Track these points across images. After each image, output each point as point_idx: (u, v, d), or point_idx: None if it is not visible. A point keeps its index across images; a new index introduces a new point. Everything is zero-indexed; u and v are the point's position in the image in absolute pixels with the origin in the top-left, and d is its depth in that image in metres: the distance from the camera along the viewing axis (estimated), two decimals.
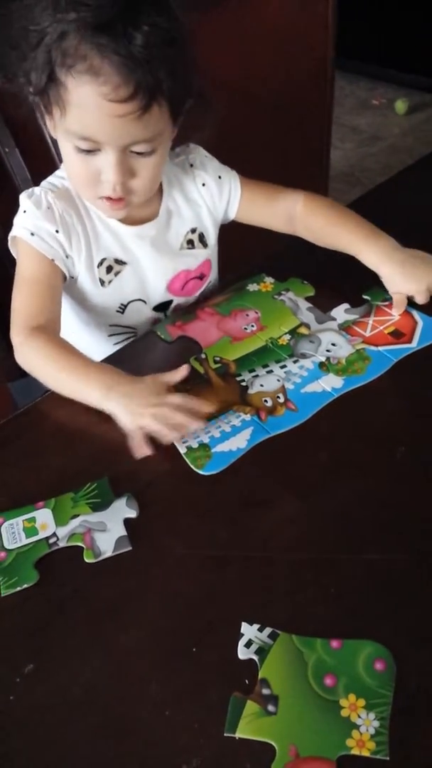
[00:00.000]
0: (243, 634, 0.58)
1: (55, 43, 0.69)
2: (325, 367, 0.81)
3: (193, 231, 0.93)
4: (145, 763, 0.52)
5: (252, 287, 0.94)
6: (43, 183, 0.87)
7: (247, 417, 0.76)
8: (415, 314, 0.87)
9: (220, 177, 0.93)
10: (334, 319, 0.88)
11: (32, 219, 0.82)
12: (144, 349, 0.88)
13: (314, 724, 0.54)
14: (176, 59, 0.71)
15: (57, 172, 0.88)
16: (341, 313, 0.89)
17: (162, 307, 0.94)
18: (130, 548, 0.65)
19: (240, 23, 1.53)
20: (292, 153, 1.86)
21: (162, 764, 0.52)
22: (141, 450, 0.72)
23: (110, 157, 0.75)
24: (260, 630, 0.58)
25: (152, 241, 0.89)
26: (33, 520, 0.68)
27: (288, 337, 0.86)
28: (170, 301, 0.95)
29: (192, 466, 0.72)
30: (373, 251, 0.88)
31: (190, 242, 0.93)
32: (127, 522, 0.67)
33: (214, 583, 0.62)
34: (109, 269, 0.88)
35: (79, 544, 0.66)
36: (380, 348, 0.83)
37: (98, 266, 0.87)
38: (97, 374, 0.76)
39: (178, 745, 0.53)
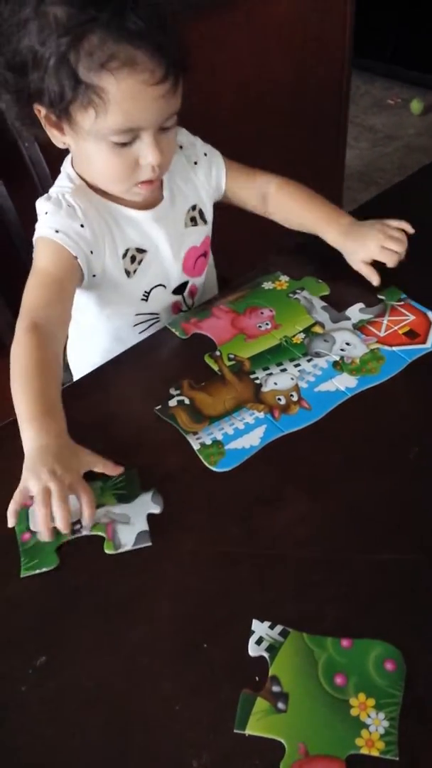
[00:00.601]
0: (254, 631, 0.58)
1: (71, 50, 0.68)
2: (339, 366, 0.81)
3: (194, 208, 0.95)
4: (155, 757, 0.52)
5: (267, 285, 0.94)
6: (54, 188, 0.87)
7: (261, 415, 0.76)
8: (431, 315, 0.87)
9: (206, 154, 0.96)
10: (348, 318, 0.88)
11: (55, 217, 0.82)
12: (158, 345, 0.88)
13: (324, 723, 0.54)
14: (177, 29, 0.73)
15: (61, 178, 0.87)
16: (356, 312, 0.88)
17: (179, 289, 0.95)
18: (150, 544, 0.65)
19: (257, 23, 1.53)
20: (308, 151, 1.86)
21: (171, 759, 0.52)
22: (10, 518, 0.66)
23: (148, 139, 0.76)
24: (271, 627, 0.59)
25: (166, 222, 0.91)
26: None
27: (302, 335, 0.86)
28: (186, 283, 0.96)
29: (205, 463, 0.72)
30: (335, 229, 0.94)
31: (193, 219, 0.95)
32: (150, 517, 0.68)
33: (225, 580, 0.63)
34: (133, 259, 0.89)
35: (101, 533, 0.66)
36: (394, 348, 0.83)
37: (123, 257, 0.88)
38: (28, 424, 0.69)
39: (187, 741, 0.53)
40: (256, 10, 1.52)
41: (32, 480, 0.65)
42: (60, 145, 0.81)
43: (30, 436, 0.68)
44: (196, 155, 0.94)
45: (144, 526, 0.67)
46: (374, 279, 0.91)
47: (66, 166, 0.88)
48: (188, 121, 0.85)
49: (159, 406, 0.78)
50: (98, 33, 0.68)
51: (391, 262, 0.90)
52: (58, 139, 0.80)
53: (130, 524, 0.67)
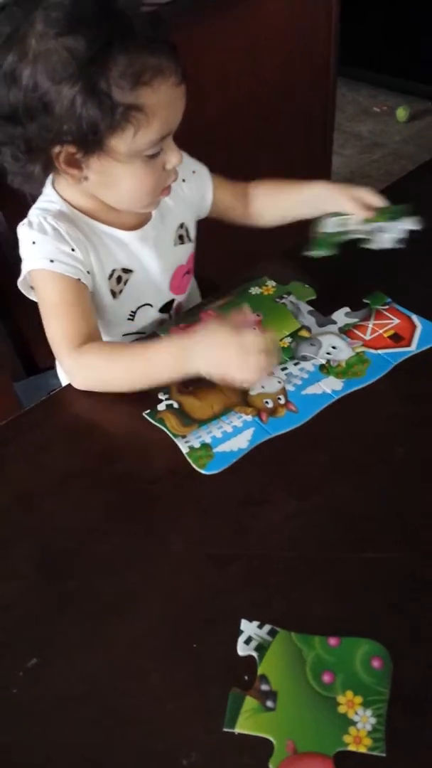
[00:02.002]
0: (243, 631, 0.59)
1: (100, 79, 0.67)
2: (325, 369, 0.82)
3: (181, 226, 0.95)
4: (145, 756, 0.53)
5: (254, 290, 0.95)
6: (33, 211, 0.84)
7: (249, 418, 0.77)
8: (415, 318, 0.88)
9: (194, 171, 0.96)
10: (334, 322, 0.89)
11: (46, 246, 0.80)
12: None
13: (312, 720, 0.54)
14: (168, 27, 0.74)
15: (40, 201, 0.85)
16: (342, 316, 0.90)
17: (166, 307, 0.96)
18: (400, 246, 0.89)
19: (243, 29, 1.55)
20: (294, 159, 1.87)
21: (161, 758, 0.53)
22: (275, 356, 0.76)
23: (170, 142, 0.78)
24: (260, 627, 0.59)
25: (154, 241, 0.91)
26: (348, 220, 0.92)
27: (289, 339, 0.87)
28: (172, 300, 0.96)
29: (194, 466, 0.73)
30: (318, 182, 0.97)
31: (181, 237, 0.95)
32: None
33: (214, 580, 0.63)
34: (119, 279, 0.88)
35: (368, 237, 0.90)
36: (380, 351, 0.84)
37: (109, 278, 0.88)
38: (168, 347, 0.79)
39: (177, 739, 0.53)
40: (244, 15, 1.53)
41: (244, 366, 0.74)
42: (76, 183, 0.78)
43: (177, 364, 0.76)
44: (183, 173, 0.93)
45: (401, 234, 0.89)
46: (368, 212, 0.92)
47: (47, 189, 0.85)
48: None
49: (148, 411, 0.79)
50: (121, 53, 0.67)
51: (379, 201, 0.93)
52: (75, 176, 0.77)
53: (391, 233, 0.90)
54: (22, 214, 0.85)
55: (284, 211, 1.00)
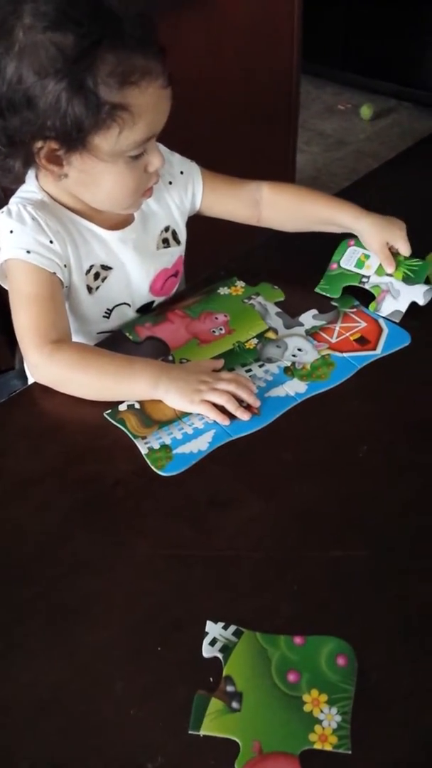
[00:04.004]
0: (207, 633, 0.59)
1: (87, 76, 0.67)
2: (289, 371, 0.83)
3: (167, 229, 0.93)
4: (110, 761, 0.53)
5: (223, 291, 0.95)
6: (14, 199, 0.83)
7: (210, 420, 0.77)
8: (381, 322, 0.89)
9: (182, 172, 0.94)
10: (301, 324, 0.89)
11: (23, 236, 0.79)
12: (111, 349, 0.87)
13: (277, 720, 0.55)
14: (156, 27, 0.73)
15: (22, 190, 0.84)
16: (309, 318, 0.90)
17: (145, 308, 0.94)
18: (396, 322, 0.86)
19: (206, 27, 1.54)
20: (259, 156, 1.87)
21: (127, 762, 0.53)
22: (223, 420, 0.76)
23: (154, 145, 0.77)
24: (225, 628, 0.60)
25: (134, 243, 0.89)
26: (367, 257, 0.92)
27: (255, 341, 0.87)
28: (152, 302, 0.95)
29: (152, 467, 0.72)
30: (348, 212, 0.94)
31: (165, 241, 0.94)
32: (412, 306, 0.86)
33: (179, 582, 0.63)
34: (97, 276, 0.87)
35: (376, 294, 0.89)
36: (345, 354, 0.85)
37: (86, 273, 0.86)
38: (143, 367, 0.79)
39: (142, 744, 0.53)
40: (207, 16, 1.52)
41: (194, 396, 0.76)
42: (55, 179, 0.78)
43: (147, 386, 0.77)
44: (171, 175, 0.92)
45: (404, 307, 0.86)
46: (392, 268, 0.91)
47: (29, 180, 0.84)
48: None
49: (108, 411, 0.78)
50: (110, 52, 0.67)
51: (408, 248, 0.91)
52: (54, 173, 0.76)
53: (396, 300, 0.86)
54: None
55: (306, 225, 0.97)
